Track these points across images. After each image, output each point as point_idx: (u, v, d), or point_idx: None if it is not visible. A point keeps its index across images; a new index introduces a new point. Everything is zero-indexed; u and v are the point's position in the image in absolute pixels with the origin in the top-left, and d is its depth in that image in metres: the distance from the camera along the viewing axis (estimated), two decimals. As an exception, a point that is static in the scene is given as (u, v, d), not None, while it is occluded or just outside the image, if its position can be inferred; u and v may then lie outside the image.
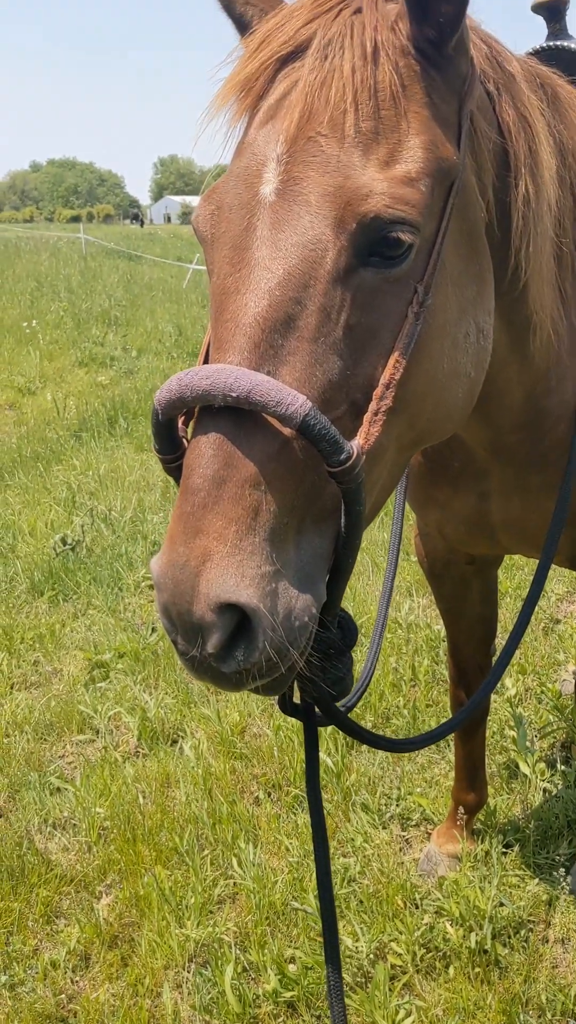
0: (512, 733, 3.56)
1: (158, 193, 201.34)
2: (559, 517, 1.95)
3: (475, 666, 2.85)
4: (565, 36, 2.23)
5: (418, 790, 3.36)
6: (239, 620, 1.20)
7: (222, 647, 1.21)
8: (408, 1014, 2.48)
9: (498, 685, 3.92)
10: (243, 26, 1.56)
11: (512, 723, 3.61)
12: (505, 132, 1.55)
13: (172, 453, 1.38)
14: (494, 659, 2.97)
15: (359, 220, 1.27)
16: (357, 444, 1.28)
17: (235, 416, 1.23)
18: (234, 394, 1.19)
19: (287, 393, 1.20)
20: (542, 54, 2.20)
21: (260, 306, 1.26)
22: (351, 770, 3.46)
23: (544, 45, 2.21)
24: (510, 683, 3.87)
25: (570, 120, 1.80)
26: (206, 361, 1.45)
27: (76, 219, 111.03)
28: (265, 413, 1.21)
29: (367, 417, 1.32)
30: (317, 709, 1.52)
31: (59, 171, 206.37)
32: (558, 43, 2.19)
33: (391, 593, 2.27)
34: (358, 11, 1.38)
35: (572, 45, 2.19)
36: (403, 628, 4.55)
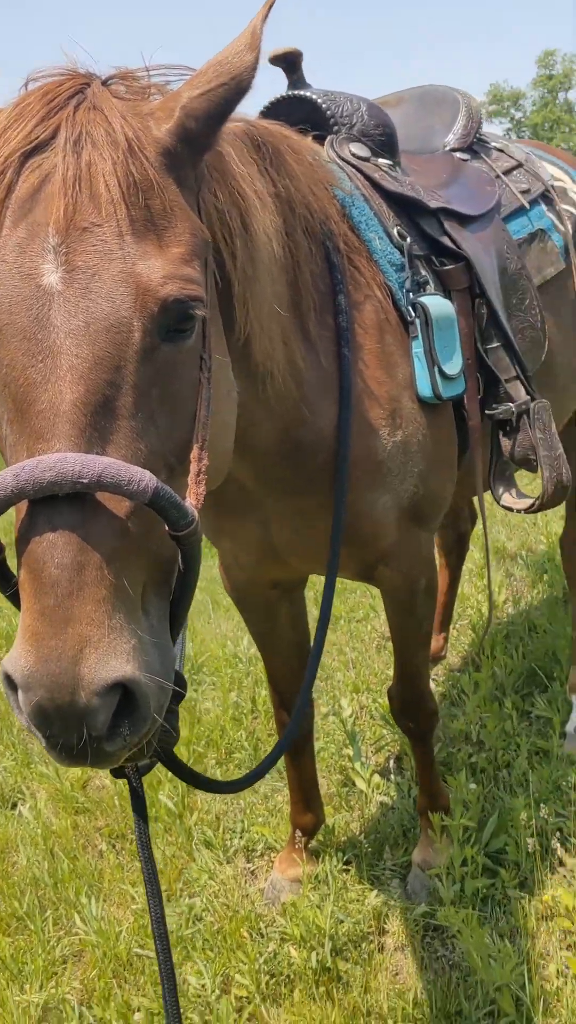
0: (349, 751, 3.65)
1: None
2: (336, 535, 2.06)
3: (293, 691, 2.92)
4: (303, 85, 2.36)
5: (260, 820, 3.39)
6: (120, 696, 1.23)
7: (108, 726, 1.23)
8: (255, 1044, 2.49)
9: (334, 705, 4.03)
10: None
11: (348, 741, 3.70)
12: (219, 209, 1.65)
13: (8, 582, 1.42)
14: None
15: (160, 303, 1.32)
16: (191, 504, 1.35)
17: (76, 501, 1.24)
18: (84, 480, 1.21)
19: (135, 471, 1.24)
20: (281, 104, 2.33)
21: (78, 392, 1.27)
22: (194, 808, 3.47)
23: (283, 95, 2.34)
24: (345, 703, 3.95)
25: (294, 171, 1.90)
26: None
27: None
28: (118, 493, 1.24)
29: (191, 478, 1.40)
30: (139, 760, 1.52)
31: None
32: (296, 93, 2.32)
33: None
34: (94, 108, 1.41)
35: (307, 94, 2.32)
36: (243, 662, 4.60)
